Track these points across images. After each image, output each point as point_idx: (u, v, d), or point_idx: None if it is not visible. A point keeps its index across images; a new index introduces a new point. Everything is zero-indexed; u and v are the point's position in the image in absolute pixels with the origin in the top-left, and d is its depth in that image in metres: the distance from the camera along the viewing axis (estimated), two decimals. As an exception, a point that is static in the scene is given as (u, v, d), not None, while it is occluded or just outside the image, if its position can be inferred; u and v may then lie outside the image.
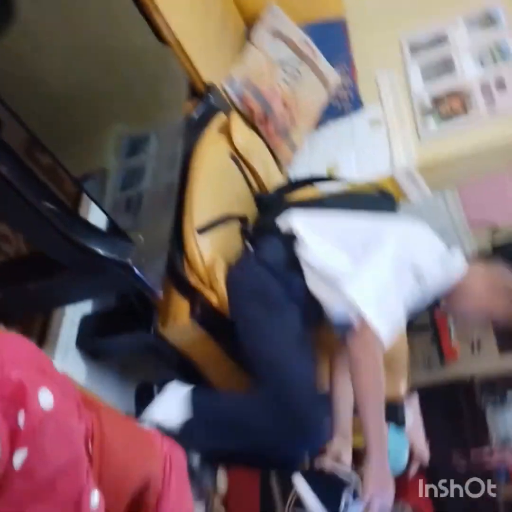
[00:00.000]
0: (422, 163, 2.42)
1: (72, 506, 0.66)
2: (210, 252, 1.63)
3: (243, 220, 1.78)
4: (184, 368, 1.75)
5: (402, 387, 1.93)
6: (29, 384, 0.65)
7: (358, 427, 2.40)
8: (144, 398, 1.75)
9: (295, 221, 1.67)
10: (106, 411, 0.80)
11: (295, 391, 1.46)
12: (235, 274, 1.62)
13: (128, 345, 1.71)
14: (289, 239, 1.64)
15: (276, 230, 1.69)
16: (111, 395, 1.76)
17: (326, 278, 1.55)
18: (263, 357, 1.51)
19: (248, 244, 1.71)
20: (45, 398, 0.66)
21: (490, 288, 1.56)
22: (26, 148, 1.12)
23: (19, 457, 0.62)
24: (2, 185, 1.07)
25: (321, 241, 1.61)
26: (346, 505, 1.43)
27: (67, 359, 1.62)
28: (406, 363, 2.02)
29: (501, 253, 1.66)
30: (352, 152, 2.53)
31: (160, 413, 1.56)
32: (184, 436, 1.45)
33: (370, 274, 1.49)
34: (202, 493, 1.12)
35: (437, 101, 2.55)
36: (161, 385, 1.74)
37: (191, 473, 1.09)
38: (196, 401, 1.55)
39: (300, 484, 1.47)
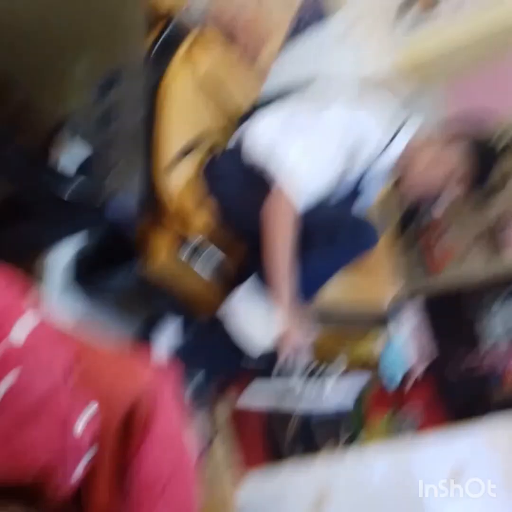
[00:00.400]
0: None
1: (59, 428, 0.68)
2: (183, 186, 1.62)
3: (212, 146, 1.76)
4: (175, 302, 1.78)
5: (391, 293, 1.95)
6: (5, 313, 0.66)
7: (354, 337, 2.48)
8: (150, 332, 1.80)
9: (246, 124, 1.73)
10: (89, 340, 0.82)
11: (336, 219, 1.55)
12: (205, 192, 1.63)
13: (115, 286, 1.73)
14: (240, 142, 1.70)
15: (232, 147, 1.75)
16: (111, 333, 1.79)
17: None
18: None
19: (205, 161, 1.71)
20: (23, 327, 0.66)
21: (434, 160, 1.64)
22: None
23: (1, 388, 0.63)
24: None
25: (269, 132, 1.65)
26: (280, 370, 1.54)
27: (57, 299, 1.64)
28: (390, 270, 2.04)
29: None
30: (323, 67, 2.47)
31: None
32: None
33: (295, 143, 1.56)
34: (196, 414, 1.16)
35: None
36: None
37: (185, 395, 1.12)
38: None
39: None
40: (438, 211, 3.52)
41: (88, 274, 1.73)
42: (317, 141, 1.56)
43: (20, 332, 0.66)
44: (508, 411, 3.54)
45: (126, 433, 0.80)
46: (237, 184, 1.64)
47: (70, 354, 0.76)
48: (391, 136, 1.65)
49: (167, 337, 1.77)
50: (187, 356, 1.73)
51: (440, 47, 2.39)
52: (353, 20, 2.53)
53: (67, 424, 0.69)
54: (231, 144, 1.78)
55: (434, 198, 1.69)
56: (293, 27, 2.47)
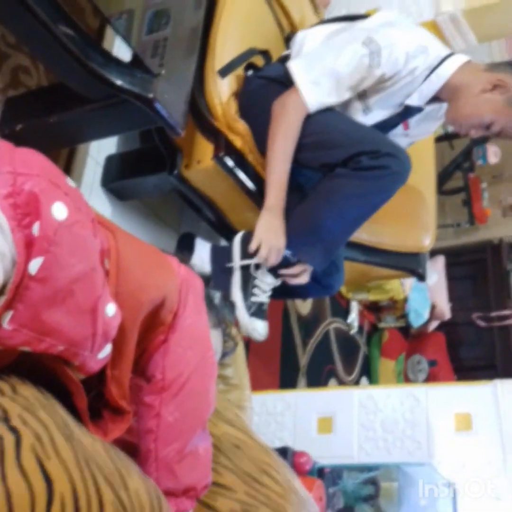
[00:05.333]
0: (470, 8, 2.24)
1: (88, 313, 0.68)
2: (230, 93, 1.59)
3: (265, 55, 1.70)
4: (209, 214, 1.77)
5: (426, 240, 1.93)
6: (42, 196, 0.65)
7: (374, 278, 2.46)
8: (185, 246, 1.79)
9: (298, 40, 1.67)
10: (122, 232, 0.81)
11: (368, 141, 1.49)
12: (243, 104, 1.61)
13: (151, 187, 1.71)
14: (286, 58, 1.64)
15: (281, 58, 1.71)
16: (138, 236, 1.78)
17: None
18: (326, 137, 1.52)
19: (248, 72, 1.67)
20: (59, 210, 0.66)
21: (486, 87, 1.50)
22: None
23: (35, 265, 0.63)
24: (16, 4, 1.03)
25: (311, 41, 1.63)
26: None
27: (92, 198, 1.64)
28: (432, 219, 2.01)
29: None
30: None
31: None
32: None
33: (315, 50, 1.55)
34: (221, 321, 1.17)
35: None
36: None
37: (210, 302, 1.13)
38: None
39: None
40: (493, 157, 3.44)
41: (123, 175, 1.72)
42: (344, 41, 1.52)
43: (60, 210, 0.66)
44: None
45: (154, 323, 0.81)
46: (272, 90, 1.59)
47: (104, 240, 0.75)
48: (439, 59, 1.54)
49: (201, 256, 1.77)
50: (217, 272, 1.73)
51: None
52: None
53: (98, 305, 0.69)
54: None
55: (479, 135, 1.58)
56: None
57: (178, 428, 0.81)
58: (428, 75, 1.54)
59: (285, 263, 1.56)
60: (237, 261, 1.59)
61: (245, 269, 1.58)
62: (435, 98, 1.59)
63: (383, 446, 1.70)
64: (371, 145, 1.46)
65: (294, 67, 1.52)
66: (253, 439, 1.02)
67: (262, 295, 1.57)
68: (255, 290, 1.56)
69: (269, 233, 1.50)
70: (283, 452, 1.47)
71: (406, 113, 1.63)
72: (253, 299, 1.56)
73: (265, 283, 1.57)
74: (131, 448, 0.80)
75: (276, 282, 1.58)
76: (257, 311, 1.58)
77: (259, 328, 1.58)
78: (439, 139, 3.40)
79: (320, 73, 1.48)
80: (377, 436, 1.72)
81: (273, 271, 1.57)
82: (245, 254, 1.57)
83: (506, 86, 1.49)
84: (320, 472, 1.52)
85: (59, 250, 0.65)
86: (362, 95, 1.57)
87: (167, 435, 0.80)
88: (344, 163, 1.46)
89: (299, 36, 1.68)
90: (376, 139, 1.51)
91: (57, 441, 0.62)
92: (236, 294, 1.57)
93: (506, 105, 1.49)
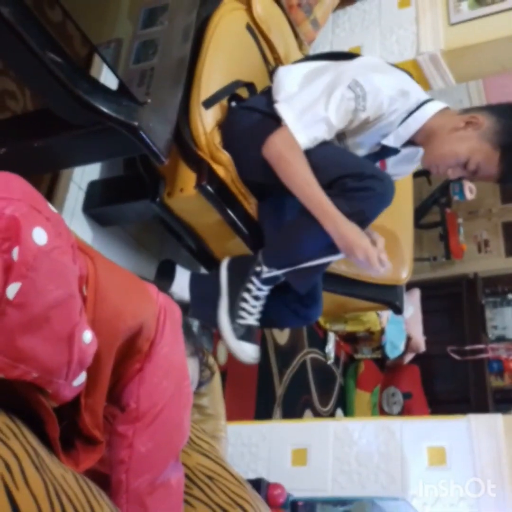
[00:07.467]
0: (449, 49, 2.32)
1: (65, 340, 0.68)
2: (214, 124, 1.60)
3: (250, 87, 1.73)
4: (190, 242, 1.77)
5: (403, 273, 1.95)
6: (23, 221, 0.65)
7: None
8: (165, 273, 1.78)
9: (280, 74, 1.68)
10: (102, 258, 0.81)
11: (352, 164, 1.50)
12: (227, 134, 1.62)
13: (133, 214, 1.72)
14: (269, 90, 1.66)
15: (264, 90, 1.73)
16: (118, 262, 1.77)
17: None
18: (311, 162, 1.50)
19: (232, 102, 1.68)
20: (39, 235, 0.66)
21: (458, 125, 1.52)
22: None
23: (12, 290, 0.63)
24: (5, 30, 1.04)
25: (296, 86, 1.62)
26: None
27: (73, 223, 1.64)
28: (409, 252, 2.03)
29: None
30: (377, 33, 2.41)
31: None
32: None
33: (302, 91, 1.56)
34: (198, 350, 1.16)
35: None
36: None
37: (188, 330, 1.12)
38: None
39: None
40: (469, 193, 3.50)
41: (105, 201, 1.72)
42: (330, 83, 1.53)
43: (41, 236, 0.66)
44: (501, 403, 3.60)
45: (130, 351, 0.80)
46: (254, 120, 1.61)
47: (83, 267, 0.75)
48: (418, 103, 1.57)
49: (180, 284, 1.76)
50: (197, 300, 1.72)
51: (490, 37, 2.32)
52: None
53: (75, 332, 0.69)
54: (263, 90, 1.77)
55: (457, 176, 1.59)
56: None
57: (151, 459, 0.80)
58: (406, 118, 1.57)
59: (275, 282, 1.57)
60: (224, 287, 1.59)
61: (231, 293, 1.57)
62: (411, 142, 1.62)
63: (357, 480, 1.69)
64: (355, 168, 1.48)
65: (285, 113, 1.52)
66: (227, 470, 1.01)
67: (249, 318, 1.57)
68: (242, 313, 1.57)
69: (348, 247, 1.45)
70: (257, 484, 1.45)
71: (383, 153, 1.66)
72: (241, 321, 1.56)
73: (253, 303, 1.57)
74: (103, 479, 0.79)
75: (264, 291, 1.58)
76: (246, 334, 1.58)
77: (248, 351, 1.58)
78: (417, 175, 3.46)
79: (311, 120, 1.49)
80: (352, 469, 1.71)
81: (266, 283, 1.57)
82: (233, 280, 1.58)
83: (478, 123, 1.51)
84: (293, 505, 1.50)
85: (37, 275, 0.65)
86: (340, 135, 1.60)
87: (139, 466, 0.79)
88: (329, 186, 1.47)
89: (281, 71, 1.71)
90: (359, 162, 1.54)
91: (27, 471, 0.61)
92: (223, 318, 1.57)
93: (480, 141, 1.50)
